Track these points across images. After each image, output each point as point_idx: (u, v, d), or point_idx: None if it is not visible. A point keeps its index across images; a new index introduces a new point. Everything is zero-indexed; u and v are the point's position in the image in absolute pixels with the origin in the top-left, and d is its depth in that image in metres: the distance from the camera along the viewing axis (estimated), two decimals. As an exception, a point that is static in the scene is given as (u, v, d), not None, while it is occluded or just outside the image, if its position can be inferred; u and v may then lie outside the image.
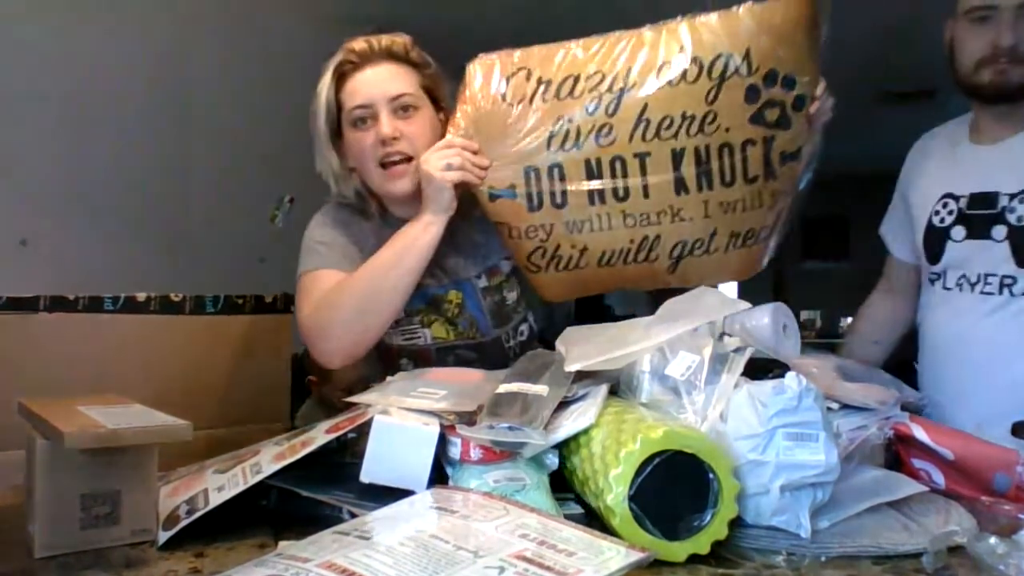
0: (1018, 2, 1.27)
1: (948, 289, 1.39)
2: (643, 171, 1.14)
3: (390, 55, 1.28)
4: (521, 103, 1.15)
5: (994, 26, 1.29)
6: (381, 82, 1.26)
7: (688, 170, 1.13)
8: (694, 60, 1.10)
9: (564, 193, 1.16)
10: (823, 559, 0.78)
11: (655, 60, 1.12)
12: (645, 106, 1.12)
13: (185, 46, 2.56)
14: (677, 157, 1.13)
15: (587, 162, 1.15)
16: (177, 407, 0.90)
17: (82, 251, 2.18)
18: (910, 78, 4.51)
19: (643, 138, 1.13)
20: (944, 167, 1.44)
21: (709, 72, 1.10)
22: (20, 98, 2.05)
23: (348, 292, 1.21)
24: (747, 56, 1.09)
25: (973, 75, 1.33)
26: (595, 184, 1.15)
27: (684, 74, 1.10)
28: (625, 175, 1.14)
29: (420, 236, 1.20)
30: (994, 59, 1.30)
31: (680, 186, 1.14)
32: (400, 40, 1.30)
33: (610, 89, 1.13)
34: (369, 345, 1.23)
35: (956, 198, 1.39)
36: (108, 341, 1.19)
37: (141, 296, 1.23)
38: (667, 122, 1.12)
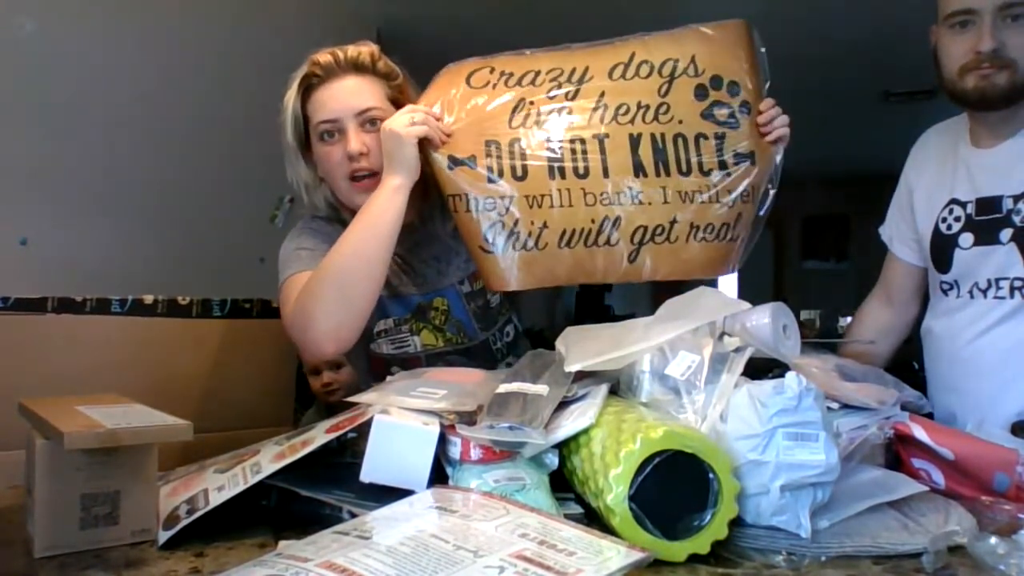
0: (996, 5, 1.26)
1: (960, 298, 1.39)
2: (602, 151, 1.19)
3: (356, 67, 1.26)
4: (485, 87, 1.23)
5: (974, 31, 1.28)
6: (347, 96, 1.25)
7: (645, 154, 1.19)
8: (644, 62, 1.22)
9: (524, 167, 1.19)
10: (823, 559, 0.78)
11: (610, 61, 1.23)
12: (603, 93, 1.21)
13: (186, 46, 2.56)
14: (634, 140, 1.19)
15: (547, 140, 1.20)
16: (182, 410, 0.90)
17: (82, 251, 2.18)
18: (910, 78, 4.51)
19: (601, 121, 1.20)
20: (947, 168, 1.43)
21: (660, 71, 1.21)
22: (20, 99, 2.05)
23: (324, 274, 1.17)
24: (693, 61, 1.21)
25: (958, 81, 1.32)
26: (555, 161, 1.19)
27: (637, 70, 1.21)
28: (585, 154, 1.19)
29: (389, 204, 1.17)
30: (977, 64, 1.29)
31: (639, 170, 1.19)
32: (366, 50, 1.28)
33: (569, 80, 1.22)
34: (356, 328, 1.18)
35: (963, 204, 1.38)
36: (115, 343, 1.19)
37: (148, 299, 1.23)
38: (623, 108, 1.20)
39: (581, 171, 1.19)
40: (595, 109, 1.20)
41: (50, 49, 2.13)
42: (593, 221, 1.20)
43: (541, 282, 1.23)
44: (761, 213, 1.25)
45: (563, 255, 1.21)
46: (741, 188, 1.21)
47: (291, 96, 1.27)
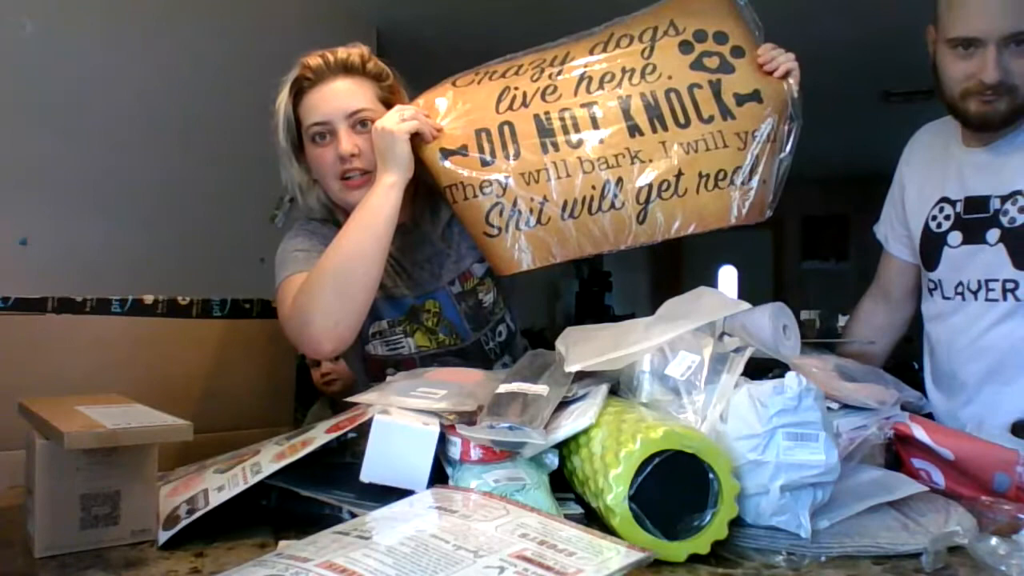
0: (1002, 35, 1.23)
1: (948, 298, 1.38)
2: (593, 119, 1.20)
3: (346, 69, 1.27)
4: (469, 85, 1.27)
5: (979, 58, 1.25)
6: (338, 98, 1.26)
7: (638, 114, 1.20)
8: (624, 36, 1.25)
9: (516, 147, 1.20)
10: (823, 559, 0.78)
11: (589, 45, 1.27)
12: (586, 65, 1.24)
13: (186, 47, 2.56)
14: (624, 102, 1.20)
15: (536, 117, 1.21)
16: (182, 410, 0.90)
17: (82, 251, 2.17)
18: (910, 78, 4.51)
19: (587, 91, 1.22)
20: (938, 167, 1.43)
21: (640, 38, 1.24)
22: (20, 99, 2.05)
23: (322, 272, 1.17)
24: (672, 23, 1.24)
25: (959, 103, 1.30)
26: (547, 136, 1.20)
27: (618, 43, 1.25)
28: (576, 124, 1.20)
29: (384, 202, 1.19)
30: (980, 91, 1.27)
31: (634, 130, 1.19)
32: (356, 52, 1.29)
33: (551, 64, 1.26)
34: (354, 326, 1.19)
35: (952, 202, 1.38)
36: (115, 343, 1.19)
37: (148, 299, 1.23)
38: (608, 76, 1.22)
39: (574, 142, 1.19)
40: (580, 81, 1.23)
41: (50, 49, 2.12)
42: (594, 188, 1.18)
43: (550, 258, 1.21)
44: (785, 152, 1.21)
45: (568, 227, 1.19)
46: (752, 128, 1.18)
47: (282, 99, 1.28)
